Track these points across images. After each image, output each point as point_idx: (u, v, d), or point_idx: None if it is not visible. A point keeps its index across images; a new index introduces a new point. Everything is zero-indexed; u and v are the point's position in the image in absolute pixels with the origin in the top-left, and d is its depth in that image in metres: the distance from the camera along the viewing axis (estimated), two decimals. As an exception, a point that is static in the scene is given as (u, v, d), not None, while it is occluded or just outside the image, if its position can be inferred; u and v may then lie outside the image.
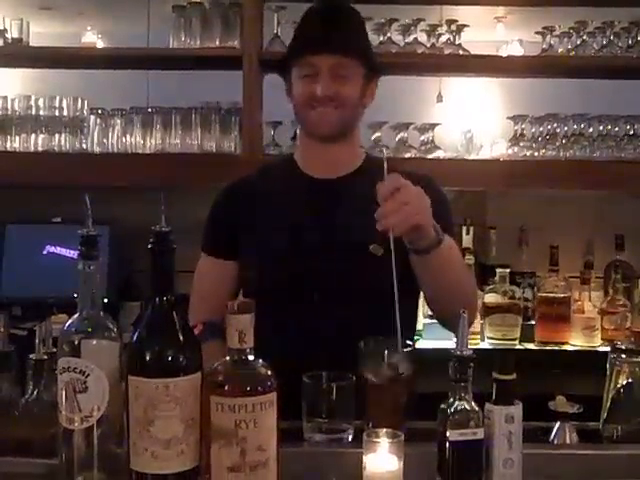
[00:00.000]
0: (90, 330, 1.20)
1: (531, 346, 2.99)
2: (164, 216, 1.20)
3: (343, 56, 1.79)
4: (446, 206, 1.82)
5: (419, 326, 2.77)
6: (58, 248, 3.22)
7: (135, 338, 1.17)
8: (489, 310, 2.97)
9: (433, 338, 2.87)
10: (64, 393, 1.18)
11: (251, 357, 1.16)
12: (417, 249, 1.60)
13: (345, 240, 1.75)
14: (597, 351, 2.91)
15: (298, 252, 1.79)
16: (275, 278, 1.79)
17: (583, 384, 2.26)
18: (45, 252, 3.23)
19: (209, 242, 1.94)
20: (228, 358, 1.16)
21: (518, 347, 2.97)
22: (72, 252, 3.16)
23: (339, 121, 1.81)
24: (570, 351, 2.95)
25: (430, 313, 2.91)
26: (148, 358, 1.15)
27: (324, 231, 1.79)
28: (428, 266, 1.65)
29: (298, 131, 1.94)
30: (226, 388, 1.14)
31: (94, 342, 1.19)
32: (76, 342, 1.18)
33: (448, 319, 1.78)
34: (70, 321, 1.21)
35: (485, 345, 2.97)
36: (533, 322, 3.05)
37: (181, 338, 1.17)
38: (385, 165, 1.52)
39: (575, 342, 2.97)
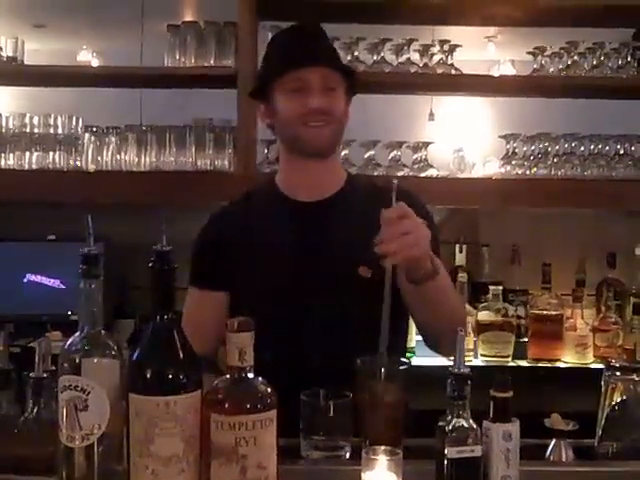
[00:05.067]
0: (91, 348, 1.20)
1: (524, 363, 3.00)
2: (165, 235, 1.21)
3: (330, 68, 1.79)
4: (433, 224, 1.79)
5: (412, 343, 2.77)
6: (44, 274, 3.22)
7: (136, 356, 1.18)
8: (482, 327, 2.98)
9: (426, 355, 2.88)
10: (65, 411, 1.18)
11: (251, 375, 1.17)
12: (412, 279, 1.60)
13: (334, 264, 1.73)
14: (589, 368, 2.92)
15: (290, 280, 1.77)
16: (268, 306, 1.73)
17: (576, 401, 2.27)
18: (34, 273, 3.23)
19: (199, 274, 1.87)
20: (228, 376, 1.17)
21: (511, 364, 2.97)
22: (53, 280, 3.19)
23: (331, 136, 1.81)
24: (562, 368, 2.96)
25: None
26: (149, 376, 1.15)
27: (314, 256, 1.78)
28: (421, 295, 1.65)
29: (280, 151, 1.91)
30: (226, 406, 1.15)
31: (95, 360, 1.20)
32: (77, 360, 1.18)
33: (436, 342, 1.80)
34: (71, 339, 1.21)
35: (478, 362, 2.98)
36: (526, 339, 3.06)
37: (181, 356, 1.18)
38: (394, 195, 1.53)
39: (567, 359, 2.98)
